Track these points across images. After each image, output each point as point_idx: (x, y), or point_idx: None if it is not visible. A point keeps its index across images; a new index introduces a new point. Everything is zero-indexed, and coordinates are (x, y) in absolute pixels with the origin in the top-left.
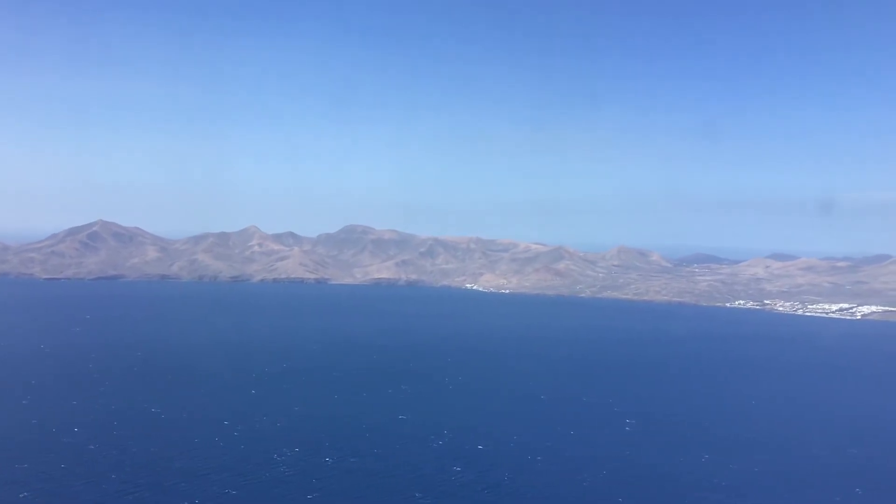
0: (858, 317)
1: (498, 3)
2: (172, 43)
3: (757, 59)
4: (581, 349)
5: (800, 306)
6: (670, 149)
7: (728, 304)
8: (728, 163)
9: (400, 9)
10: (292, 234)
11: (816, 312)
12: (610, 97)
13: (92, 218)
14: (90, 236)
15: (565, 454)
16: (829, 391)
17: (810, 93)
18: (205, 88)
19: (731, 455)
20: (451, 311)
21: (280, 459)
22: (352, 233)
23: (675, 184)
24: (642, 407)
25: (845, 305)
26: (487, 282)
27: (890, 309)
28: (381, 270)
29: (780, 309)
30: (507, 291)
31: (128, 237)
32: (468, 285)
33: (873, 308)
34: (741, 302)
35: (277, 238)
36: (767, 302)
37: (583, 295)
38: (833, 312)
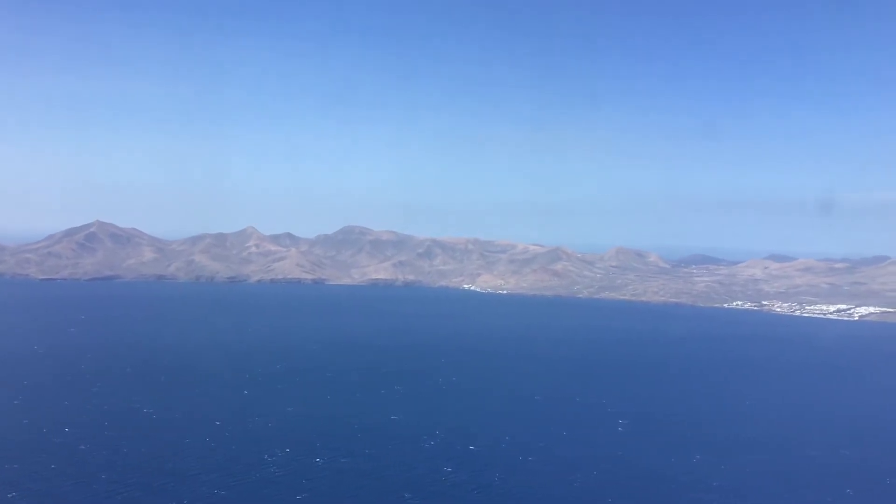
0: (856, 318)
1: (498, 3)
2: (171, 43)
3: (757, 59)
4: (577, 350)
5: (797, 307)
6: (670, 149)
7: (726, 305)
8: (727, 163)
9: (399, 9)
10: (290, 235)
11: (814, 313)
12: (610, 97)
13: (90, 219)
14: (87, 237)
15: (557, 454)
16: (824, 392)
17: (810, 93)
18: (203, 88)
19: (723, 455)
20: (447, 312)
21: (271, 460)
22: (350, 234)
23: (674, 184)
24: (636, 407)
25: (843, 306)
26: (485, 282)
27: (888, 310)
28: (378, 271)
29: (778, 310)
30: (505, 292)
31: (125, 238)
32: (465, 286)
33: (871, 309)
34: (739, 303)
35: (275, 239)
36: (765, 303)
37: (580, 296)
38: (831, 313)
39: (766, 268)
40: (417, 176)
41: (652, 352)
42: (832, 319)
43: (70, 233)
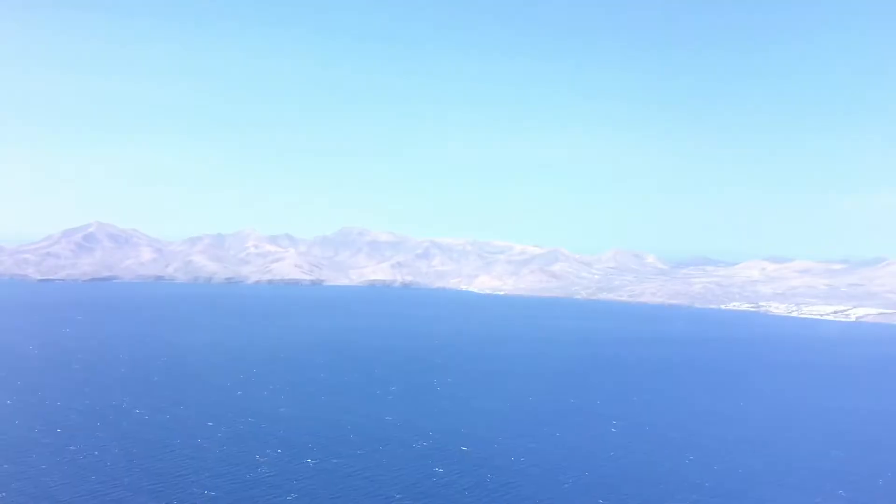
0: (853, 319)
1: (497, 5)
2: (170, 43)
3: (756, 60)
4: (572, 351)
5: (794, 308)
6: (670, 148)
7: (723, 307)
8: (727, 163)
9: (399, 11)
10: (288, 236)
11: (811, 314)
12: (609, 94)
13: (89, 219)
14: (86, 237)
15: (550, 455)
16: (818, 393)
17: (810, 93)
18: (201, 89)
19: (715, 456)
20: (443, 314)
21: (262, 461)
22: (348, 234)
23: (674, 184)
24: (630, 408)
25: (840, 308)
26: (483, 284)
27: (884, 311)
28: (376, 272)
29: (775, 311)
30: (503, 293)
31: (123, 238)
32: (463, 287)
33: (868, 310)
34: (736, 304)
35: (273, 240)
36: (762, 304)
37: (578, 297)
38: (827, 315)
39: (763, 269)
40: (415, 176)
41: (647, 353)
42: (829, 320)
43: (69, 233)
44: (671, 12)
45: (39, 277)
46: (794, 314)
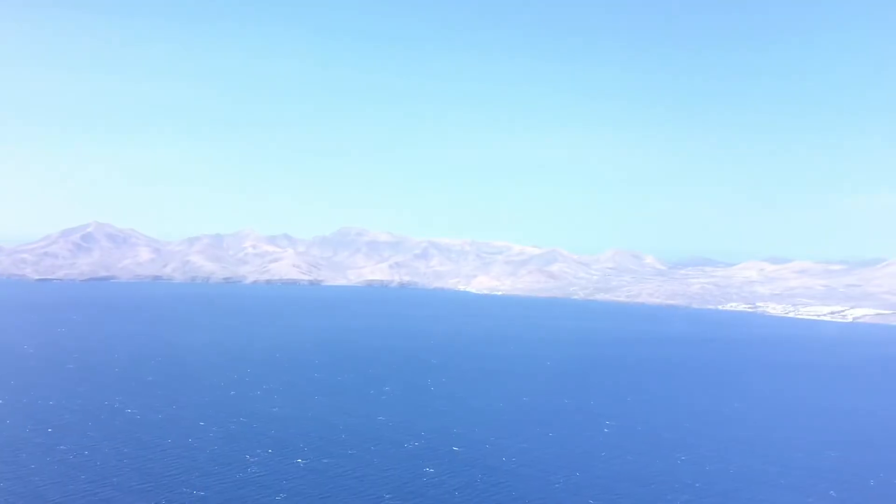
0: (850, 319)
1: (497, 5)
2: (169, 44)
3: (756, 60)
4: (568, 351)
5: (791, 309)
6: (669, 148)
7: (720, 307)
8: (727, 163)
9: (398, 10)
10: (287, 236)
11: (808, 315)
12: (608, 94)
13: (87, 219)
14: (84, 237)
15: (541, 455)
16: (813, 393)
17: (810, 93)
18: (200, 89)
19: (708, 456)
20: (440, 313)
21: (252, 460)
22: (346, 235)
23: (674, 184)
24: (624, 408)
25: (837, 308)
26: (481, 284)
27: (882, 312)
28: (374, 272)
29: (772, 311)
30: (500, 293)
31: (122, 238)
32: (461, 287)
33: (865, 311)
34: (733, 304)
35: (272, 240)
36: (759, 304)
37: (575, 297)
38: (824, 315)
39: (762, 269)
40: (414, 177)
41: (643, 353)
42: (826, 321)
43: (67, 233)
44: (671, 12)
45: (37, 277)
46: (791, 315)
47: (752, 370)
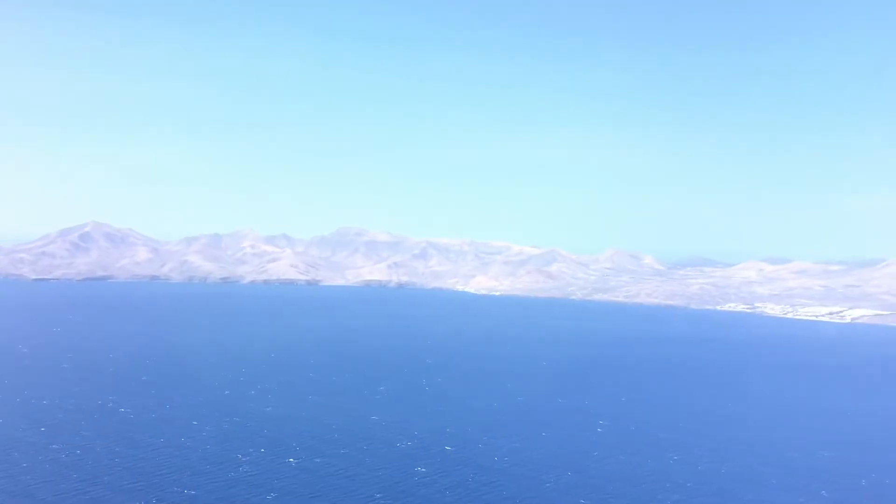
0: (848, 320)
1: (497, 5)
2: (168, 44)
3: (756, 60)
4: (563, 350)
5: (790, 309)
6: (669, 148)
7: (719, 307)
8: (726, 163)
9: (398, 10)
10: (286, 236)
11: (806, 316)
12: (608, 94)
13: (86, 219)
14: (82, 237)
15: (533, 455)
16: (809, 393)
17: (810, 93)
18: (199, 88)
19: (701, 456)
20: (437, 313)
21: (244, 459)
22: (345, 235)
23: (674, 184)
24: (618, 408)
25: (835, 309)
26: (479, 284)
27: (880, 312)
28: (373, 272)
29: (770, 312)
30: (498, 294)
31: (119, 238)
32: (459, 287)
33: (863, 311)
34: (731, 305)
35: (270, 240)
36: (757, 305)
37: (574, 297)
38: (822, 316)
39: (761, 270)
40: (414, 177)
41: (638, 353)
42: (824, 322)
43: (65, 233)
44: (671, 12)
45: (35, 277)
46: (790, 315)
47: (748, 370)
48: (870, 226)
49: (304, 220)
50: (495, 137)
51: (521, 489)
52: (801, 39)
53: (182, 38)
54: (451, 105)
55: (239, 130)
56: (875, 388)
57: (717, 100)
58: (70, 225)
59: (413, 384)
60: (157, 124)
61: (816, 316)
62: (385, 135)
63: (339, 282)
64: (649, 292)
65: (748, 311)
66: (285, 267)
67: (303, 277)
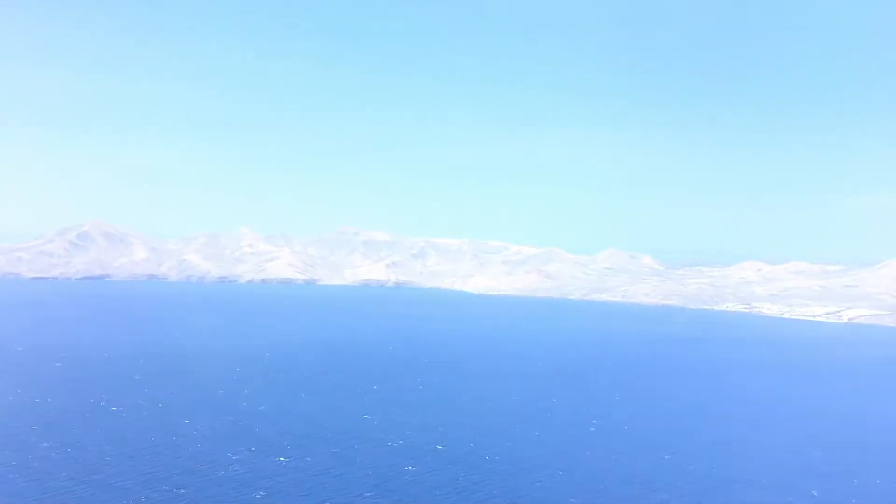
0: (845, 320)
1: (496, 8)
2: (167, 43)
3: (755, 59)
4: (559, 350)
5: (786, 309)
6: (669, 148)
7: (716, 307)
8: (726, 163)
9: (398, 10)
10: (284, 236)
11: (802, 315)
12: (608, 93)
13: (84, 218)
14: (80, 236)
15: (525, 454)
16: (804, 393)
17: (809, 93)
18: (199, 88)
19: (692, 456)
20: (434, 313)
21: (235, 458)
22: (344, 234)
23: (673, 184)
24: (611, 408)
25: (832, 309)
26: (477, 284)
27: (878, 312)
28: (371, 272)
29: (767, 312)
30: (497, 293)
31: (118, 237)
32: (457, 287)
33: (860, 311)
34: (728, 304)
35: (269, 239)
36: (754, 305)
37: (571, 297)
38: (819, 316)
39: (759, 270)
40: (413, 177)
41: (633, 353)
42: (820, 321)
43: (63, 232)
44: (671, 12)
45: (32, 276)
46: (786, 315)
47: (742, 370)
48: (869, 226)
49: (302, 219)
50: (495, 137)
51: (510, 488)
52: (801, 39)
53: (180, 38)
54: (450, 105)
55: (238, 130)
56: (869, 387)
57: (717, 99)
58: (69, 224)
59: (407, 383)
60: (156, 123)
61: (813, 316)
62: (385, 135)
63: (337, 281)
64: (646, 292)
65: (745, 310)
66: (283, 266)
67: (300, 276)
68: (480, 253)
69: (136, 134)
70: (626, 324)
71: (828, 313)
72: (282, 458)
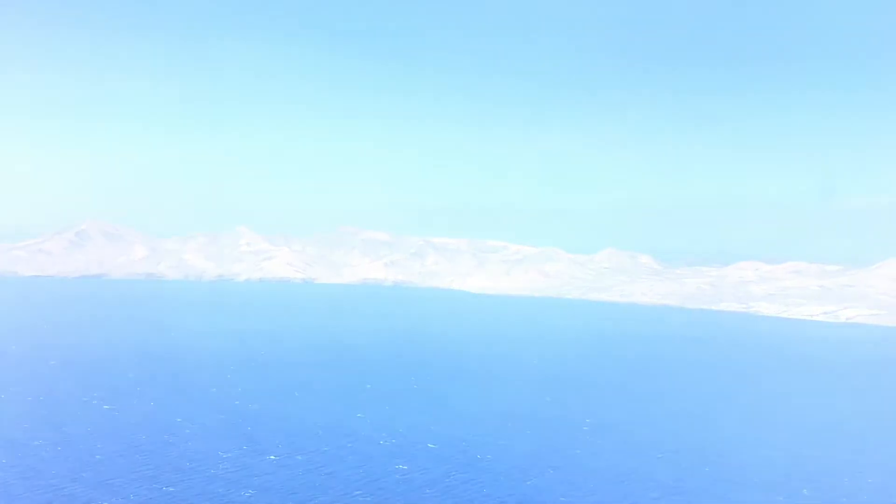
0: (843, 320)
1: (496, 8)
2: (166, 43)
3: (755, 59)
4: (555, 350)
5: (784, 309)
6: (669, 148)
7: (714, 307)
8: (726, 163)
9: (399, 10)
10: (283, 235)
11: (800, 315)
12: (608, 92)
13: (83, 217)
14: (78, 234)
15: (516, 453)
16: (798, 393)
17: (809, 93)
18: (198, 87)
19: (684, 455)
20: (432, 312)
21: (225, 457)
22: (343, 233)
23: (673, 184)
24: (604, 407)
25: (830, 308)
26: (476, 283)
27: (875, 312)
28: (370, 271)
29: (765, 311)
30: (495, 293)
31: (117, 236)
32: (456, 286)
33: (858, 311)
34: (726, 304)
35: (268, 238)
36: (752, 304)
37: (569, 297)
38: (817, 315)
39: (757, 269)
40: (412, 177)
41: (629, 352)
42: (818, 321)
43: (61, 230)
44: (671, 12)
45: (30, 274)
46: (784, 315)
47: (738, 369)
48: (868, 226)
49: (301, 218)
50: (494, 136)
51: (501, 487)
52: (802, 39)
53: (180, 37)
54: (450, 105)
55: (237, 129)
56: (863, 387)
57: (717, 99)
58: (67, 222)
59: (401, 382)
60: (155, 122)
61: (811, 315)
62: (384, 134)
63: (336, 280)
64: (644, 291)
65: (743, 310)
66: (281, 265)
67: (299, 276)
68: (479, 252)
69: (134, 133)
70: (621, 324)
71: (825, 313)
72: (272, 457)
